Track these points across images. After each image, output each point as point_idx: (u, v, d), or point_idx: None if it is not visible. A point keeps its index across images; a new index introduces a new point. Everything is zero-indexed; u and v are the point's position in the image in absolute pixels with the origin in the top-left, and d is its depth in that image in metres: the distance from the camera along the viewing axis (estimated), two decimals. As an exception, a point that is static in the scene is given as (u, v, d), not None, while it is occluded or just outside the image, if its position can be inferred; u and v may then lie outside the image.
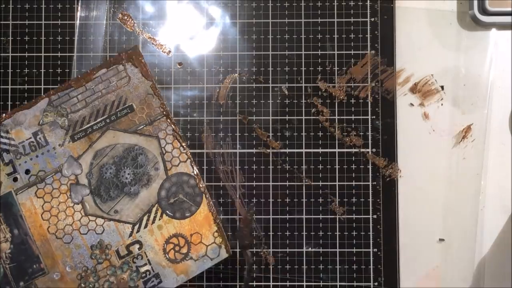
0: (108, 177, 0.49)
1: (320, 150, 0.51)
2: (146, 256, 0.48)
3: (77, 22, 0.52)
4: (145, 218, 0.49)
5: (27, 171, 0.48)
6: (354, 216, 0.51)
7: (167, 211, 0.49)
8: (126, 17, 0.51)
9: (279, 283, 0.50)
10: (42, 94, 0.51)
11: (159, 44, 0.51)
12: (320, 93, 0.51)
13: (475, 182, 0.51)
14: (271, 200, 0.51)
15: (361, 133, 0.51)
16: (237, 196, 0.51)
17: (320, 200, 0.51)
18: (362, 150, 0.51)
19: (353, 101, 0.51)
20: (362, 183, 0.51)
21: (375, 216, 0.51)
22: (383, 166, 0.50)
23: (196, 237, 0.49)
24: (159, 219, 0.49)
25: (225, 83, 0.51)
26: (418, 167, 0.51)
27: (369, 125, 0.51)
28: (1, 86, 0.51)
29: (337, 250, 0.51)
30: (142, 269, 0.48)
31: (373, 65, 0.51)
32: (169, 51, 0.51)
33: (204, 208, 0.49)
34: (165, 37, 0.52)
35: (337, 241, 0.51)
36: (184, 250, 0.49)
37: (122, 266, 0.48)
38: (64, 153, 0.49)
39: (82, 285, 0.48)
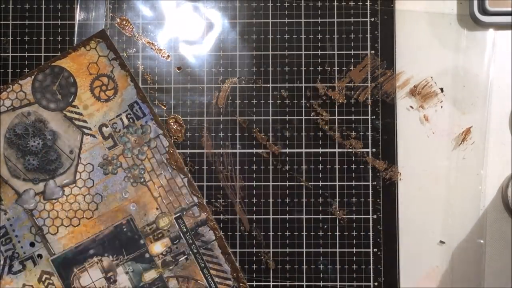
0: None
1: (320, 151, 0.51)
2: None
3: (77, 22, 0.52)
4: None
5: None
6: (354, 216, 0.51)
7: None
8: (124, 22, 0.51)
9: (279, 283, 0.50)
10: None
11: (158, 49, 0.51)
12: (319, 94, 0.51)
13: (475, 182, 0.51)
14: (271, 200, 0.51)
15: (361, 133, 0.51)
16: (237, 197, 0.51)
17: (320, 200, 0.51)
18: (362, 150, 0.51)
19: (353, 101, 0.51)
20: (362, 183, 0.51)
21: (375, 216, 0.51)
22: (383, 169, 0.50)
23: None
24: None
25: (225, 87, 0.51)
26: (418, 167, 0.51)
27: (369, 125, 0.51)
28: (1, 86, 0.51)
29: (337, 250, 0.51)
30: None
31: (373, 67, 0.51)
32: (168, 56, 0.51)
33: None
34: (164, 41, 0.52)
35: (337, 241, 0.51)
36: None
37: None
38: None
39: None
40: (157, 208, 0.49)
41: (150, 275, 0.49)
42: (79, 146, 0.50)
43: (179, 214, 0.49)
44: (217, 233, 0.49)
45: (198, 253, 0.49)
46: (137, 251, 0.49)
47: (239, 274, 0.49)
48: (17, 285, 0.49)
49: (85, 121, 0.50)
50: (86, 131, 0.50)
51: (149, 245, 0.49)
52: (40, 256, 0.49)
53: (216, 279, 0.49)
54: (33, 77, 0.50)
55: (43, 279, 0.49)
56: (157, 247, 0.49)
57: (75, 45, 0.51)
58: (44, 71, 0.50)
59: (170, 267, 0.49)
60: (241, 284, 0.49)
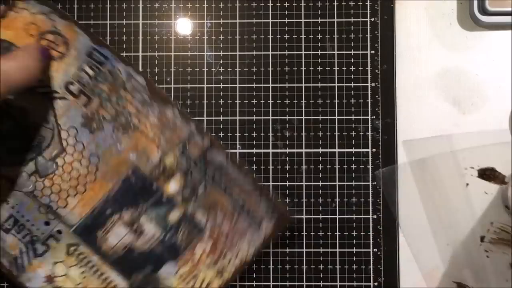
0: None
1: (320, 150, 0.51)
2: None
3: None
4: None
5: None
6: (354, 216, 0.51)
7: None
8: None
9: (279, 283, 0.50)
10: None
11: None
12: (320, 93, 0.51)
13: (475, 182, 0.51)
14: (271, 200, 0.51)
15: (361, 133, 0.51)
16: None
17: (320, 200, 0.51)
18: (362, 150, 0.51)
19: (353, 101, 0.51)
20: (362, 183, 0.51)
21: (375, 216, 0.51)
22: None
23: None
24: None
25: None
26: (418, 167, 0.51)
27: (369, 125, 0.51)
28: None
29: (337, 250, 0.51)
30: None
31: (373, 65, 0.51)
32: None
33: None
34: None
35: (337, 241, 0.51)
36: None
37: None
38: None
39: None
40: (158, 148, 0.47)
41: (174, 215, 0.48)
42: (53, 114, 0.47)
43: (181, 146, 0.47)
44: (226, 152, 0.47)
45: (214, 176, 0.47)
46: (153, 196, 0.47)
47: (261, 186, 0.47)
48: (48, 265, 0.48)
49: (47, 86, 0.47)
50: (54, 95, 0.47)
51: (163, 187, 0.47)
52: (59, 231, 0.48)
53: (242, 196, 0.47)
54: None
55: (70, 252, 0.48)
56: (172, 186, 0.47)
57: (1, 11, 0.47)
58: None
59: (192, 201, 0.47)
60: (264, 193, 0.47)
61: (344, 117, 0.51)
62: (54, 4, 0.48)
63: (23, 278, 0.48)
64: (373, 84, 0.51)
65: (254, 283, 0.51)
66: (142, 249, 0.48)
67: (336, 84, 0.51)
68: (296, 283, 0.50)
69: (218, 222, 0.47)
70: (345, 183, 0.51)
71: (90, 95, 0.47)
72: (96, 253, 0.48)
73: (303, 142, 0.51)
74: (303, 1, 0.52)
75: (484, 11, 0.50)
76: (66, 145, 0.48)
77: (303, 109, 0.51)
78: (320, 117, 0.51)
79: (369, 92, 0.51)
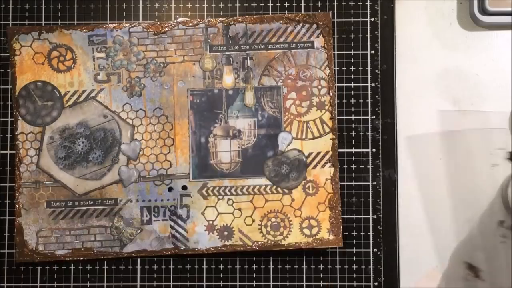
0: None
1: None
2: None
3: (76, 22, 0.52)
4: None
5: None
6: (354, 217, 0.51)
7: None
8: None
9: (279, 283, 0.50)
10: (12, 104, 0.51)
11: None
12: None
13: (475, 182, 0.51)
14: (271, 200, 0.51)
15: (361, 133, 0.51)
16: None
17: (320, 200, 0.51)
18: (362, 150, 0.51)
19: (353, 101, 0.51)
20: (362, 183, 0.51)
21: (375, 216, 0.51)
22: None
23: None
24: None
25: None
26: (418, 167, 0.51)
27: (369, 125, 0.51)
28: (1, 86, 0.51)
29: (337, 250, 0.51)
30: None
31: (373, 65, 0.51)
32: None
33: None
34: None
35: (337, 241, 0.51)
36: None
37: None
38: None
39: None
40: (194, 64, 0.50)
41: (249, 98, 0.50)
42: (103, 107, 0.50)
43: (207, 46, 0.50)
44: (242, 17, 0.50)
45: (250, 43, 0.50)
46: (222, 99, 0.50)
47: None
48: (200, 219, 0.50)
49: (84, 91, 0.50)
50: (93, 94, 0.50)
51: (222, 85, 0.50)
52: (184, 187, 0.50)
53: (287, 38, 0.50)
54: (18, 117, 0.50)
55: (205, 195, 0.50)
56: (227, 79, 0.50)
57: (10, 62, 0.50)
58: (18, 105, 0.50)
59: (250, 76, 0.50)
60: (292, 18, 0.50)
61: (344, 117, 0.51)
62: (34, 26, 0.51)
63: (192, 245, 0.50)
64: (373, 84, 0.51)
65: (254, 283, 0.51)
66: (252, 143, 0.50)
67: (336, 84, 0.51)
68: (296, 283, 0.51)
69: (282, 70, 0.50)
70: (345, 183, 0.51)
71: (115, 71, 0.50)
72: (223, 178, 0.50)
73: (303, 142, 0.51)
74: (303, 1, 0.52)
75: (484, 11, 0.50)
76: (132, 120, 0.50)
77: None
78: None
79: (369, 92, 0.51)
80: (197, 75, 0.50)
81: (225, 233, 0.49)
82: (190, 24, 0.50)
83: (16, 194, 0.50)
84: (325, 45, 0.50)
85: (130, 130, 0.50)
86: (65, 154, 0.50)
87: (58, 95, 0.50)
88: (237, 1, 0.52)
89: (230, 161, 0.50)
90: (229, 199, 0.50)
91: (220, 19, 0.50)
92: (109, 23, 0.51)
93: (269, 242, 0.49)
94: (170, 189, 0.50)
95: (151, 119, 0.50)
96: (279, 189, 0.50)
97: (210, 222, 0.50)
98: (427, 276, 0.51)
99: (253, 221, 0.50)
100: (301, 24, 0.50)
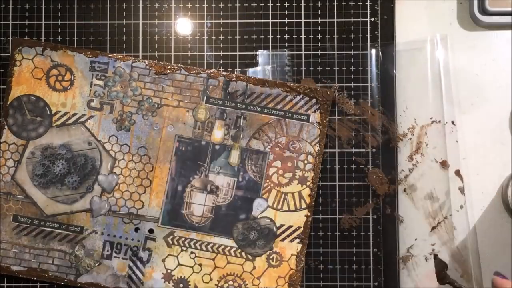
0: None
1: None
2: None
3: (76, 22, 0.52)
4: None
5: None
6: (354, 217, 0.51)
7: None
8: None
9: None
10: (3, 113, 0.50)
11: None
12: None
13: (475, 182, 0.51)
14: (271, 200, 0.51)
15: (361, 133, 0.51)
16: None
17: (320, 200, 0.51)
18: (362, 150, 0.51)
19: (353, 101, 0.51)
20: (362, 183, 0.51)
21: (375, 216, 0.51)
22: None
23: None
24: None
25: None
26: (418, 167, 0.51)
27: (369, 125, 0.51)
28: (1, 86, 0.51)
29: (337, 250, 0.51)
30: None
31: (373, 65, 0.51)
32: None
33: None
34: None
35: (337, 241, 0.51)
36: None
37: None
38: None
39: None
40: (187, 111, 0.50)
41: (234, 157, 0.50)
42: (90, 134, 0.50)
43: (205, 97, 0.50)
44: (244, 76, 0.50)
45: (246, 104, 0.50)
46: (208, 152, 0.50)
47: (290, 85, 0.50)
48: (159, 266, 0.50)
49: (74, 114, 0.50)
50: (82, 119, 0.50)
51: (210, 138, 0.50)
52: (151, 230, 0.50)
53: (284, 106, 0.50)
54: (5, 126, 0.50)
55: (170, 243, 0.50)
56: (217, 134, 0.50)
57: (8, 71, 0.50)
58: (7, 114, 0.50)
59: (240, 136, 0.50)
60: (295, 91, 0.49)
61: (344, 117, 0.51)
62: (39, 41, 0.50)
63: None
64: (373, 84, 0.51)
65: None
66: (226, 202, 0.50)
67: (336, 84, 0.51)
68: (297, 283, 0.51)
69: (272, 137, 0.50)
70: (345, 183, 0.51)
71: (110, 101, 0.50)
72: (191, 230, 0.50)
73: (303, 141, 0.51)
74: (303, 1, 0.52)
75: (484, 11, 0.50)
76: (115, 153, 0.50)
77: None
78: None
79: (369, 92, 0.51)
80: (188, 122, 0.50)
81: (181, 285, 0.50)
82: (193, 72, 0.50)
83: None
84: (321, 121, 0.49)
85: (111, 162, 0.50)
86: (42, 172, 0.50)
87: (48, 112, 0.50)
88: (237, 1, 0.52)
89: (202, 215, 0.50)
90: (192, 252, 0.50)
91: (223, 72, 0.50)
92: (115, 55, 0.50)
93: None
94: (137, 229, 0.50)
95: (134, 156, 0.50)
96: (243, 253, 0.50)
97: (169, 271, 0.50)
98: (427, 276, 0.51)
99: (211, 279, 0.50)
100: (300, 96, 0.49)
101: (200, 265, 0.50)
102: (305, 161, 0.50)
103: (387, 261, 0.50)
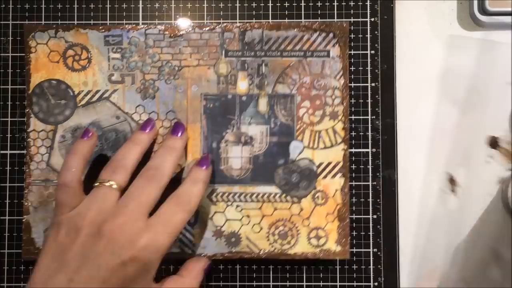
0: None
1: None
2: None
3: (76, 22, 0.52)
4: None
5: None
6: (354, 216, 0.51)
7: None
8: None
9: (279, 283, 0.50)
10: (26, 102, 0.51)
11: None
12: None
13: (475, 182, 0.51)
14: (271, 200, 0.51)
15: (361, 134, 0.51)
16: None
17: (320, 200, 0.51)
18: (362, 150, 0.51)
19: (353, 101, 0.51)
20: (362, 183, 0.51)
21: (375, 216, 0.51)
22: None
23: None
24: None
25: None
26: (418, 167, 0.51)
27: (369, 125, 0.51)
28: (1, 86, 0.51)
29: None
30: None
31: (373, 65, 0.51)
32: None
33: None
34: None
35: (337, 241, 0.51)
36: None
37: None
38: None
39: None
40: (208, 68, 0.50)
41: (262, 104, 0.50)
42: (116, 108, 0.50)
43: (223, 51, 0.50)
44: (259, 23, 0.50)
45: (265, 50, 0.50)
46: (235, 104, 0.50)
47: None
48: (208, 224, 0.50)
49: (97, 91, 0.50)
50: (106, 95, 0.50)
51: (236, 91, 0.50)
52: None
53: (303, 46, 0.50)
54: (31, 114, 0.50)
55: (214, 200, 0.50)
56: (242, 85, 0.50)
57: (25, 59, 0.50)
58: (32, 103, 0.50)
59: (264, 83, 0.50)
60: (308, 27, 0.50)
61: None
62: (51, 24, 0.51)
63: (199, 250, 0.49)
64: (373, 84, 0.51)
65: (254, 283, 0.51)
66: (263, 150, 0.50)
67: (351, 92, 0.51)
68: (296, 283, 0.51)
69: (296, 78, 0.50)
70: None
71: (130, 72, 0.50)
72: (233, 184, 0.50)
73: (303, 142, 0.51)
74: (303, 1, 0.52)
75: (484, 11, 0.50)
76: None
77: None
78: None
79: (369, 92, 0.51)
80: (211, 79, 0.50)
81: (233, 239, 0.50)
82: (207, 28, 0.50)
83: (25, 191, 0.49)
84: (341, 54, 0.50)
85: None
86: None
87: (71, 94, 0.50)
88: (237, 1, 0.52)
89: (241, 168, 0.50)
90: (237, 206, 0.50)
91: (237, 24, 0.50)
92: (125, 23, 0.51)
93: (276, 250, 0.49)
94: None
95: (163, 121, 0.50)
96: (288, 197, 0.50)
97: (218, 227, 0.50)
98: (427, 276, 0.51)
99: (261, 228, 0.50)
100: (317, 33, 0.50)
101: (248, 216, 0.50)
102: (333, 96, 0.50)
103: (387, 261, 0.50)
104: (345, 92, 0.50)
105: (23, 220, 0.49)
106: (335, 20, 0.51)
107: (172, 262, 0.50)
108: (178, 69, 0.50)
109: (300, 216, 0.49)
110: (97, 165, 0.49)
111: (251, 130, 0.50)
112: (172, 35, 0.50)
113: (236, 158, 0.50)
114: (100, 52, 0.50)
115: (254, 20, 0.51)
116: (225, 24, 0.50)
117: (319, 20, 0.50)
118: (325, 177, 0.50)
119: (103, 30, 0.50)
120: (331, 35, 0.50)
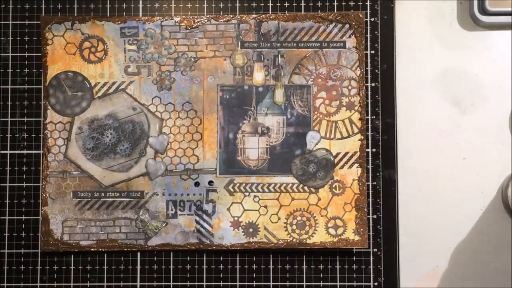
0: None
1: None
2: None
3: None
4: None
5: None
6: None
7: None
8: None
9: (279, 283, 0.50)
10: (42, 94, 0.50)
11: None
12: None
13: (475, 182, 0.51)
14: (271, 200, 0.51)
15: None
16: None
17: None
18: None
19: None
20: (362, 183, 0.51)
21: (375, 216, 0.51)
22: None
23: None
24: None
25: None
26: (418, 167, 0.51)
27: (369, 125, 0.51)
28: (1, 86, 0.51)
29: (337, 250, 0.51)
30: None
31: (373, 65, 0.51)
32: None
33: None
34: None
35: (337, 241, 0.51)
36: None
37: None
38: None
39: None
40: (224, 59, 0.50)
41: (279, 95, 0.50)
42: (133, 100, 0.50)
43: (239, 42, 0.50)
44: (275, 17, 0.50)
45: (281, 41, 0.50)
46: (252, 95, 0.50)
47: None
48: (225, 215, 0.50)
49: (113, 83, 0.50)
50: (122, 86, 0.50)
51: (252, 82, 0.50)
52: (210, 182, 0.50)
53: (319, 37, 0.50)
54: (48, 106, 0.50)
55: (231, 191, 0.50)
56: (258, 76, 0.50)
57: (41, 51, 0.50)
58: (48, 95, 0.50)
59: (281, 74, 0.50)
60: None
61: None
62: (67, 16, 0.51)
63: (217, 241, 0.50)
64: (373, 84, 0.51)
65: (254, 283, 0.51)
66: (280, 141, 0.50)
67: (368, 84, 0.51)
68: (296, 283, 0.51)
69: (313, 69, 0.50)
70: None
71: (146, 64, 0.50)
72: (250, 174, 0.50)
73: (304, 142, 0.51)
74: (303, 1, 0.52)
75: (484, 11, 0.50)
76: (160, 114, 0.50)
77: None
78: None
79: (369, 92, 0.51)
80: (227, 70, 0.50)
81: (250, 229, 0.50)
82: (223, 20, 0.50)
83: (43, 183, 0.49)
84: (357, 45, 0.50)
85: (158, 123, 0.50)
86: (93, 145, 0.50)
87: (88, 86, 0.50)
88: (237, 1, 0.52)
89: (258, 158, 0.50)
90: (255, 196, 0.50)
91: (253, 15, 0.50)
92: (142, 15, 0.51)
93: (294, 240, 0.50)
94: (196, 183, 0.50)
95: (180, 113, 0.50)
96: (305, 187, 0.50)
97: (236, 218, 0.50)
98: (427, 276, 0.51)
99: (279, 218, 0.50)
100: (333, 24, 0.50)
101: (265, 206, 0.50)
102: (349, 87, 0.50)
103: (387, 261, 0.50)
104: (362, 83, 0.50)
105: (41, 212, 0.49)
106: (352, 11, 0.51)
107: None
108: (194, 60, 0.50)
109: (317, 206, 0.50)
110: (113, 155, 0.50)
111: (267, 121, 0.50)
112: (187, 26, 0.50)
113: (253, 148, 0.50)
114: (116, 44, 0.50)
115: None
116: (241, 15, 0.50)
117: (335, 11, 0.51)
118: (342, 167, 0.50)
119: (119, 22, 0.50)
120: (347, 26, 0.50)
